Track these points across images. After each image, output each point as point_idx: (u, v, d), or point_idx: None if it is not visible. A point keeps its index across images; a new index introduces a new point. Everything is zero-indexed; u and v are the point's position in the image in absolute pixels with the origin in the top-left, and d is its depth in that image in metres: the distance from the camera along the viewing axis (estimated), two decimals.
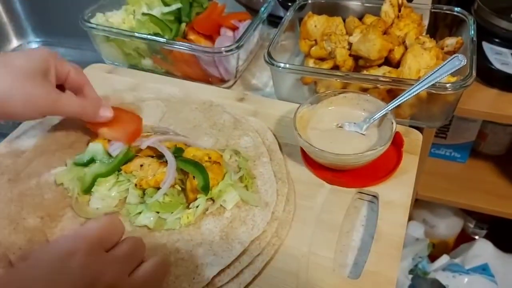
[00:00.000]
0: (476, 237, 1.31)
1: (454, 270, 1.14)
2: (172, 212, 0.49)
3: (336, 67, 0.66)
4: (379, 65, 0.64)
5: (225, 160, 0.54)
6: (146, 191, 0.50)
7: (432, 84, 0.54)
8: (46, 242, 0.47)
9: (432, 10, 0.72)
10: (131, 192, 0.51)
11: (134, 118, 0.59)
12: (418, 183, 0.61)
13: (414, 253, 1.19)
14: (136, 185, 0.51)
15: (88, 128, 0.59)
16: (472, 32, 0.64)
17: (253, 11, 0.78)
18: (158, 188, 0.50)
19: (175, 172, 0.51)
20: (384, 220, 0.50)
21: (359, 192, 0.54)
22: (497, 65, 0.83)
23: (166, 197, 0.50)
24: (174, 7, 0.74)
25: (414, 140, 0.59)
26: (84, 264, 0.35)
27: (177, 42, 0.68)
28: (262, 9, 0.74)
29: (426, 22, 0.72)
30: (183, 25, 0.73)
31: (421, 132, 0.60)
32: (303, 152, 0.57)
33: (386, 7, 0.69)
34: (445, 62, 0.54)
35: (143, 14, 0.74)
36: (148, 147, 0.54)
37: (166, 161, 0.52)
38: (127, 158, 0.53)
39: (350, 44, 0.66)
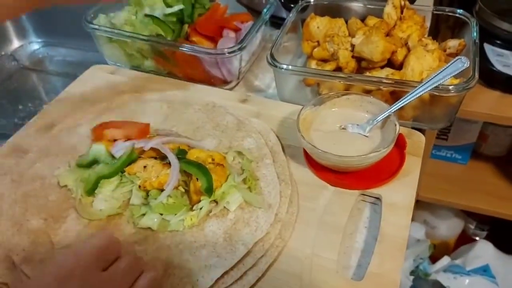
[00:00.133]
0: (477, 238, 1.31)
1: (455, 272, 1.14)
2: (175, 214, 0.49)
3: (338, 69, 0.66)
4: (382, 67, 0.64)
5: (228, 162, 0.55)
6: (150, 193, 0.50)
7: (435, 86, 0.54)
8: (50, 243, 0.47)
9: (435, 12, 0.72)
10: (134, 193, 0.51)
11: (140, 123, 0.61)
12: (419, 184, 0.61)
13: (415, 254, 1.19)
14: (139, 186, 0.51)
15: (91, 129, 0.59)
16: (475, 34, 0.64)
17: (255, 12, 0.78)
18: (162, 190, 0.50)
19: (179, 173, 0.51)
20: (387, 222, 0.50)
21: (362, 194, 0.54)
22: (499, 67, 0.83)
23: (169, 198, 0.50)
24: (176, 8, 0.74)
25: (416, 142, 0.59)
26: (81, 284, 0.36)
27: (180, 44, 0.68)
28: (265, 10, 0.74)
29: (428, 24, 0.72)
30: (186, 26, 0.73)
31: (423, 134, 0.61)
32: (306, 153, 0.57)
33: (388, 9, 0.69)
34: (448, 64, 0.54)
35: (146, 15, 0.74)
36: (151, 149, 0.55)
37: (169, 163, 0.52)
38: (131, 160, 0.53)
39: (352, 45, 0.66)
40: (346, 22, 0.71)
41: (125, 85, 0.72)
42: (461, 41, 0.66)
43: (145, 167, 0.52)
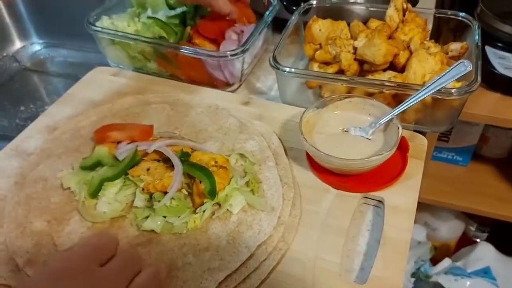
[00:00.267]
0: (478, 240, 1.32)
1: (456, 274, 1.14)
2: (179, 216, 0.49)
3: (341, 71, 0.66)
4: (384, 70, 0.64)
5: (231, 165, 0.55)
6: (153, 195, 0.50)
7: (438, 90, 0.54)
8: (53, 246, 0.48)
9: (436, 15, 0.73)
10: (138, 196, 0.51)
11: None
12: (420, 186, 0.61)
13: (416, 256, 1.19)
14: (143, 189, 0.51)
15: (94, 132, 0.59)
16: (477, 37, 0.64)
17: (258, 15, 0.78)
18: (165, 192, 0.50)
19: (182, 176, 0.51)
20: (390, 225, 0.50)
21: (365, 197, 0.54)
22: (500, 69, 0.83)
23: (173, 201, 0.50)
24: (179, 10, 0.74)
25: (419, 145, 0.59)
26: (79, 281, 0.36)
27: (183, 46, 0.68)
28: (267, 13, 0.74)
29: (430, 26, 0.72)
30: (188, 28, 0.73)
31: (425, 137, 0.61)
32: (308, 156, 0.57)
33: (391, 12, 0.69)
34: (451, 67, 0.54)
35: (148, 17, 0.74)
36: (155, 151, 0.55)
37: (173, 165, 0.52)
38: (134, 162, 0.53)
39: (355, 48, 0.66)
40: (348, 24, 0.71)
41: (128, 87, 0.72)
42: (463, 44, 0.66)
43: (148, 169, 0.52)
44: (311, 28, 0.71)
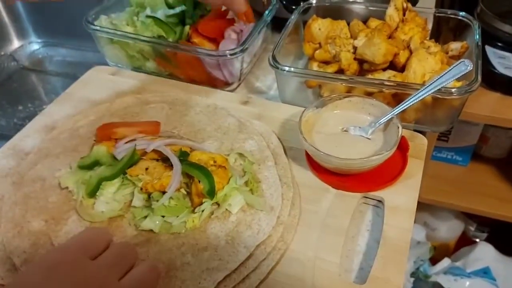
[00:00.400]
0: (477, 240, 1.32)
1: (456, 274, 1.14)
2: (177, 216, 0.49)
3: (340, 71, 0.65)
4: (384, 69, 0.64)
5: (230, 164, 0.54)
6: (152, 195, 0.50)
7: (438, 89, 0.54)
8: (51, 245, 0.47)
9: (436, 14, 0.72)
10: (136, 195, 0.51)
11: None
12: (420, 186, 0.61)
13: (415, 256, 1.19)
14: (141, 188, 0.50)
15: (96, 129, 0.59)
16: (477, 37, 0.64)
17: (257, 14, 0.78)
18: (164, 192, 0.50)
19: (181, 176, 0.50)
20: (389, 225, 0.50)
21: (365, 197, 0.54)
22: (500, 69, 0.83)
23: (171, 201, 0.49)
24: (178, 9, 0.74)
25: (419, 144, 0.59)
26: (70, 273, 0.36)
27: (182, 45, 0.68)
28: (267, 12, 0.74)
29: (430, 26, 0.72)
30: (187, 27, 0.73)
31: (425, 136, 0.60)
32: (308, 156, 0.57)
33: (390, 11, 0.69)
34: (452, 67, 0.54)
35: (147, 16, 0.74)
36: (153, 151, 0.54)
37: (171, 165, 0.52)
38: (132, 161, 0.53)
39: (354, 47, 0.66)
40: (348, 24, 0.71)
41: (126, 86, 0.71)
42: (463, 43, 0.66)
43: (147, 169, 0.52)
44: (310, 27, 0.71)
